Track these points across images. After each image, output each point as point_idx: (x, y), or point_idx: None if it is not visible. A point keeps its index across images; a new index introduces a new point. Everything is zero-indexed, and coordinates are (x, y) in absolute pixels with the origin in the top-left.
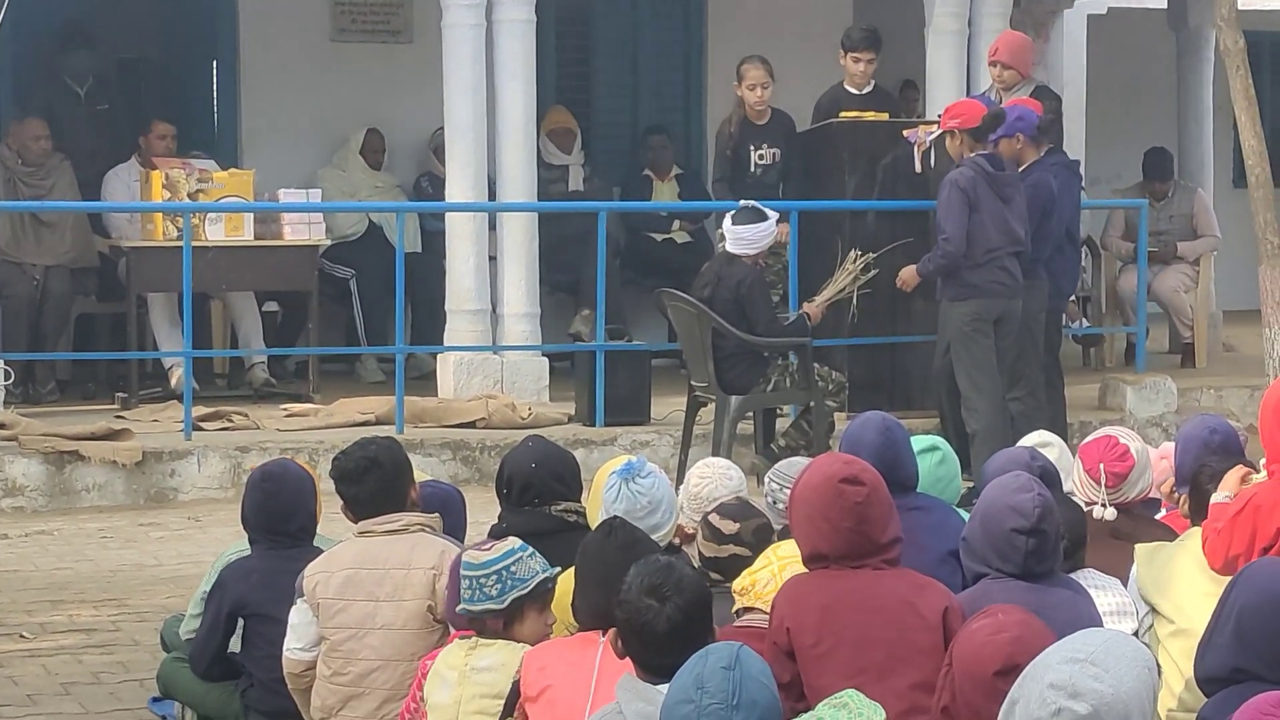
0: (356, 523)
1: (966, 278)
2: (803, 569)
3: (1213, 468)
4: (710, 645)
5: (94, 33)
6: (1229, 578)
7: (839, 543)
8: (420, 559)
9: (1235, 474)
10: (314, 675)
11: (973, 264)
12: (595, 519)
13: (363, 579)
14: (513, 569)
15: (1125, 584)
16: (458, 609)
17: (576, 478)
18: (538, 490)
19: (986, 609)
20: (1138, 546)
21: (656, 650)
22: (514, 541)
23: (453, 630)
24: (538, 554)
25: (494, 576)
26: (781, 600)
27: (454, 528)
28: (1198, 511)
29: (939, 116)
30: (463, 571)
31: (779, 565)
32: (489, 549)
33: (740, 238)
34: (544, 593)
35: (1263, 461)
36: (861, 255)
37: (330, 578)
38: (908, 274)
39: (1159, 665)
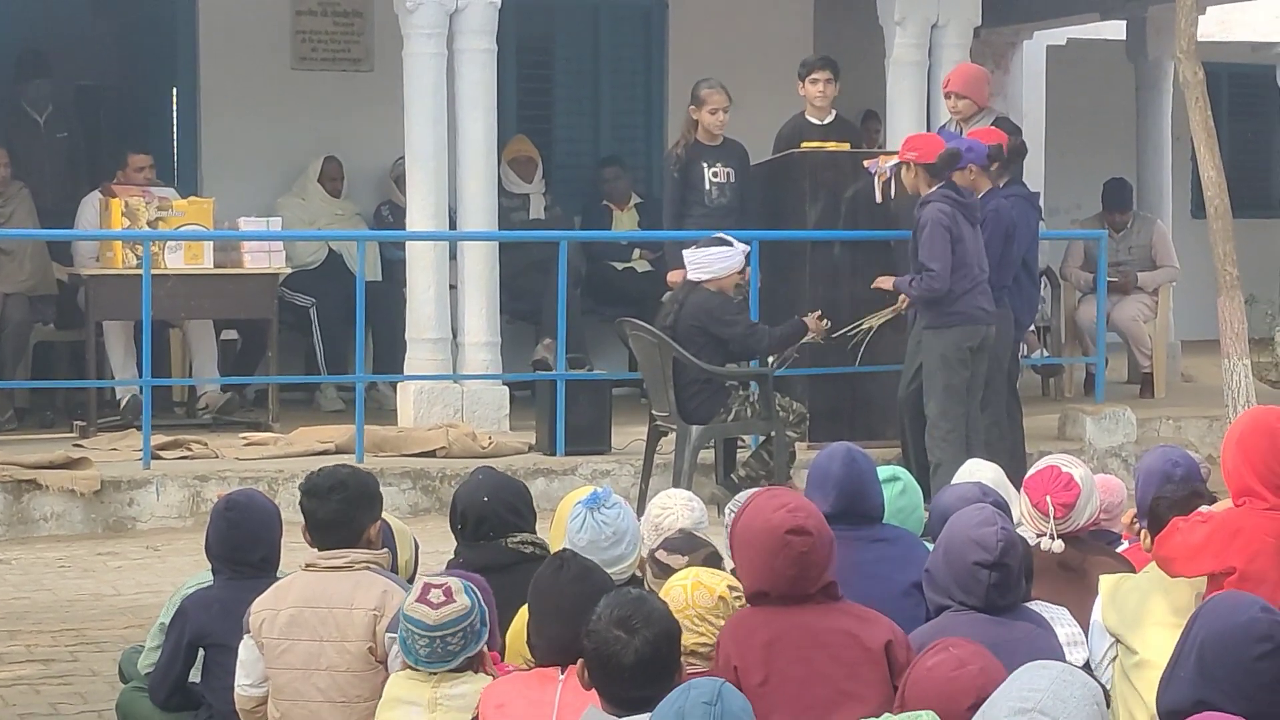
0: (313, 546)
1: (951, 306)
2: (713, 586)
3: (1169, 498)
4: (692, 680)
5: (53, 60)
6: (1191, 610)
7: (781, 584)
8: (362, 599)
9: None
10: (265, 712)
11: (960, 292)
12: (557, 548)
13: (307, 618)
14: (475, 625)
15: (1075, 615)
16: (402, 662)
17: (530, 508)
18: (492, 523)
19: (935, 644)
20: (1102, 578)
21: (623, 683)
22: (461, 603)
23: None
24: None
25: (459, 635)
26: (726, 638)
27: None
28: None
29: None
30: (416, 630)
31: (692, 584)
32: (442, 603)
33: (697, 263)
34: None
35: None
36: (820, 316)
37: (276, 616)
38: (885, 281)
39: (1121, 696)
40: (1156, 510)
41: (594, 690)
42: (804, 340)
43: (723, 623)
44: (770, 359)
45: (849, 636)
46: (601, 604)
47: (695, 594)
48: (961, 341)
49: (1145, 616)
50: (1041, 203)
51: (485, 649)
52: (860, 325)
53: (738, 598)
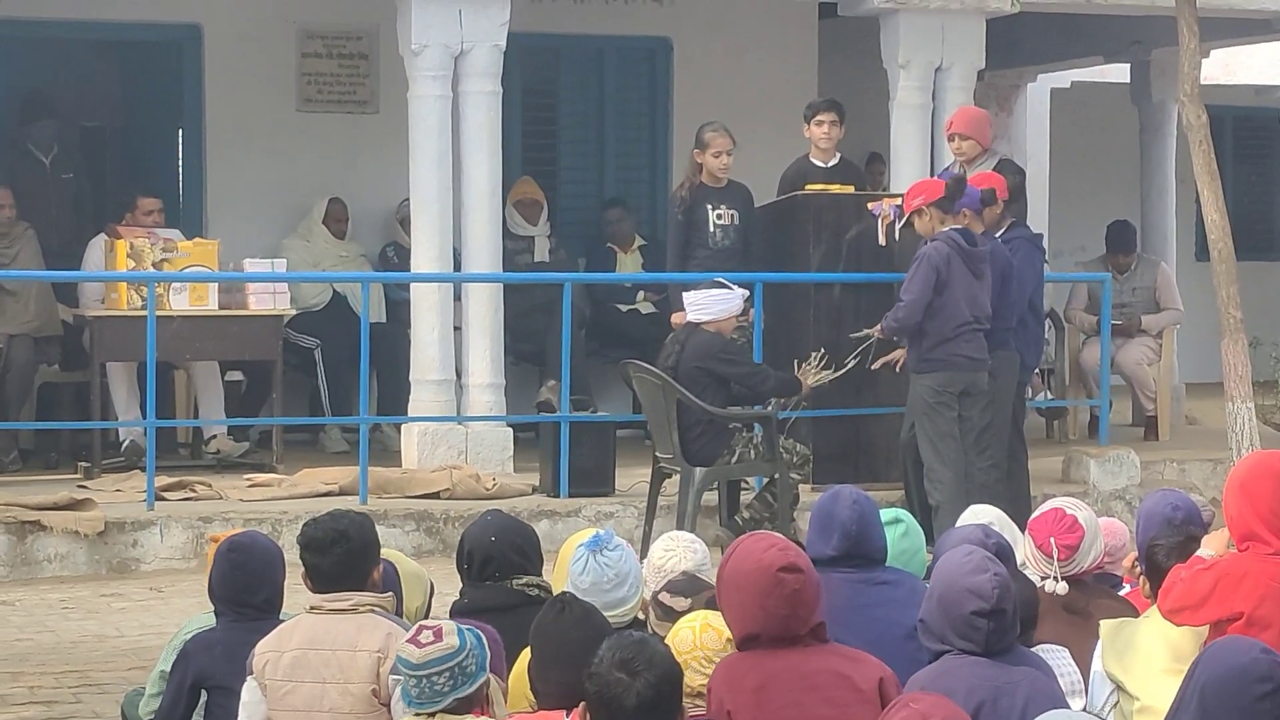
0: (314, 593)
1: (931, 351)
2: (721, 628)
3: (1166, 545)
4: None
5: (58, 101)
6: (1194, 655)
7: (772, 626)
8: (366, 642)
9: (1221, 536)
10: None
11: (941, 338)
12: (561, 590)
13: (310, 660)
14: (465, 665)
15: (1077, 659)
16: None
17: (537, 551)
18: (498, 564)
19: (896, 702)
20: (1103, 623)
21: None
22: (448, 643)
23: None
24: (482, 639)
25: (446, 674)
26: (717, 683)
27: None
28: (1156, 587)
29: (903, 194)
30: (403, 669)
31: (700, 625)
32: (429, 642)
33: (697, 304)
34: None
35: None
36: (821, 356)
37: (280, 658)
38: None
39: None
40: (1154, 558)
41: None
42: (799, 395)
43: None
44: (773, 401)
45: (840, 677)
46: (604, 647)
47: (704, 635)
48: (943, 386)
49: (1146, 663)
50: (1045, 245)
51: (487, 691)
52: (847, 364)
53: None
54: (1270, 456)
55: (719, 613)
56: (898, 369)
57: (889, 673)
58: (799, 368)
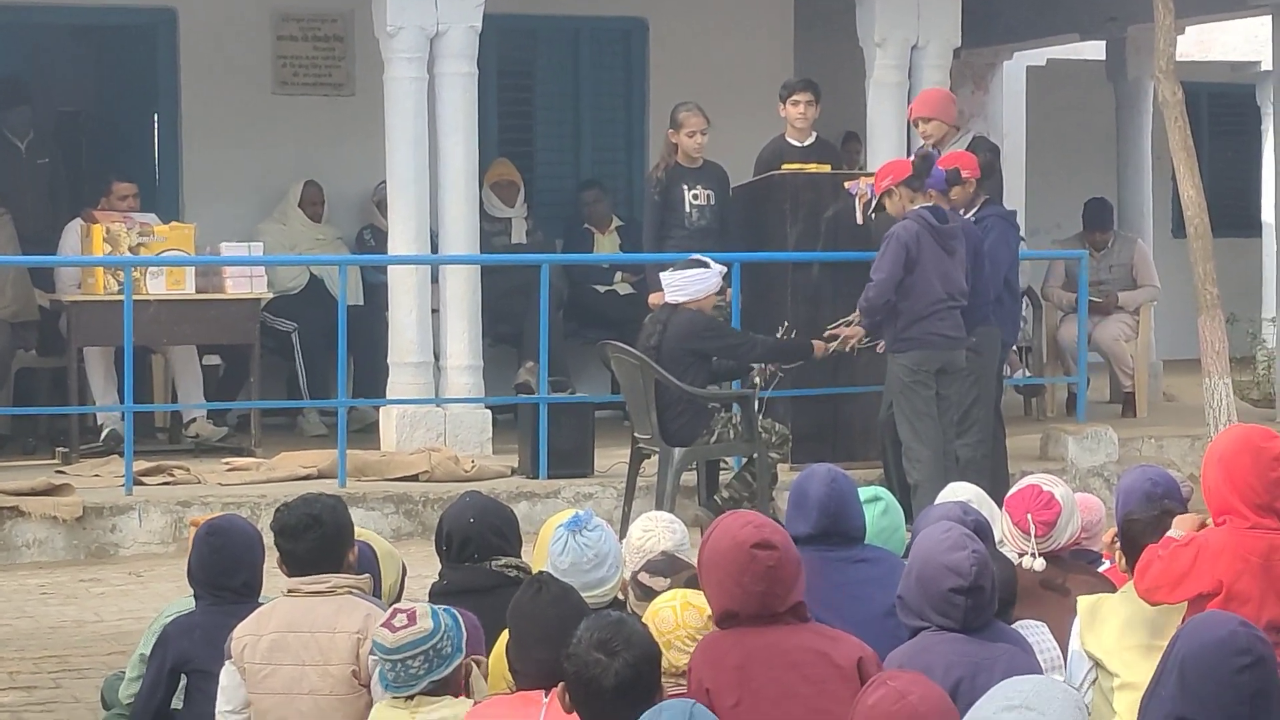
0: (289, 577)
1: (906, 330)
2: (702, 606)
3: (1142, 520)
4: (664, 702)
5: (33, 86)
6: (1171, 631)
7: (750, 603)
8: (345, 623)
9: (1192, 518)
10: None
11: (915, 316)
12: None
13: (289, 642)
14: (439, 648)
15: (1056, 635)
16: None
17: (515, 532)
18: (477, 545)
19: (874, 679)
20: (1080, 600)
21: (603, 705)
22: (421, 627)
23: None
24: (458, 621)
25: (420, 657)
26: (698, 661)
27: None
28: (1132, 562)
29: (876, 171)
30: (378, 653)
31: (681, 604)
32: (403, 626)
33: (675, 284)
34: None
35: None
36: (787, 328)
37: (258, 641)
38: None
39: (1102, 718)
40: (1129, 532)
41: (575, 714)
42: (789, 359)
43: None
44: (756, 381)
45: (820, 655)
46: (581, 627)
47: (685, 614)
48: (919, 365)
49: (1124, 640)
50: (1022, 222)
51: (464, 673)
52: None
53: None
54: (1248, 431)
55: (700, 591)
56: (877, 349)
57: (869, 651)
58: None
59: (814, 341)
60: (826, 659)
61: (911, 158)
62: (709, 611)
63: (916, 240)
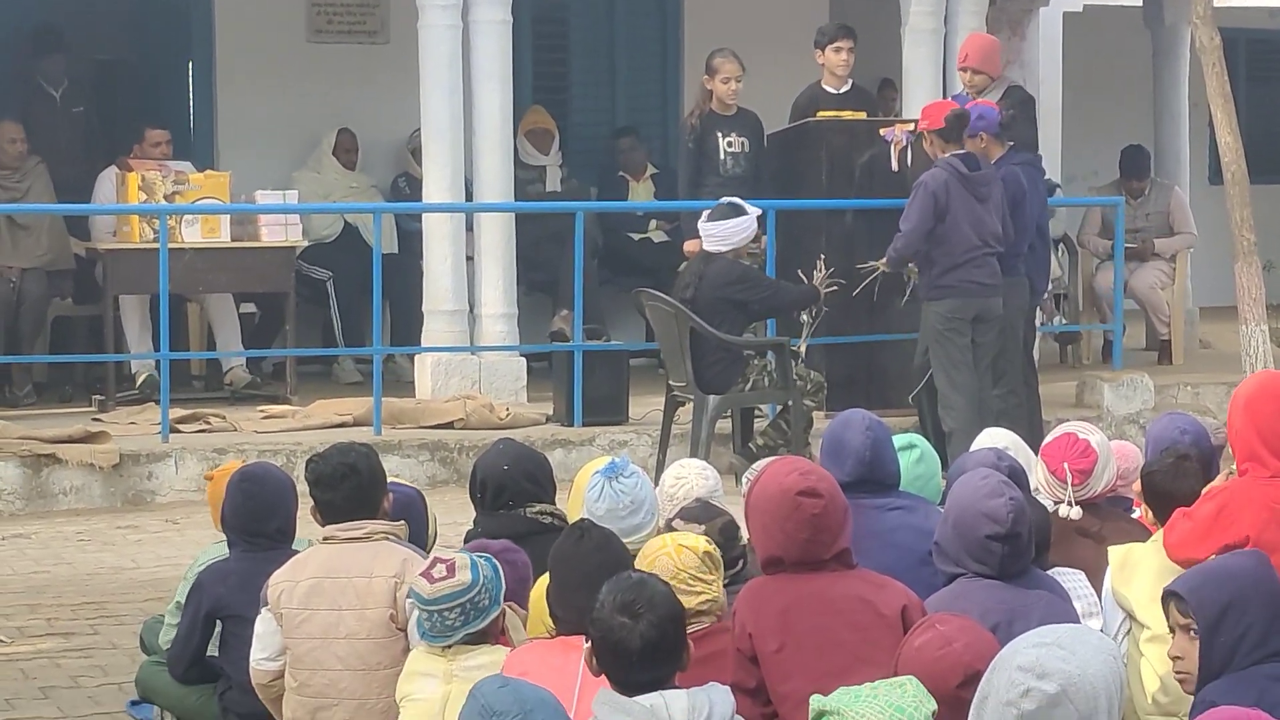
0: (324, 526)
1: (941, 278)
2: (694, 545)
3: (1159, 472)
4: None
5: (68, 35)
6: None
7: (794, 550)
8: (382, 567)
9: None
10: (283, 685)
11: (950, 264)
12: (576, 518)
13: (326, 588)
14: (477, 600)
15: (1093, 582)
16: (419, 638)
17: (549, 479)
18: (511, 493)
19: (922, 621)
20: (1111, 550)
21: (631, 668)
22: (459, 579)
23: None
24: (498, 571)
25: (457, 610)
26: (742, 605)
27: (417, 533)
28: (1158, 513)
29: (916, 117)
30: (415, 602)
31: (674, 548)
32: (441, 578)
33: (713, 235)
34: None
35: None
36: (825, 265)
37: (295, 587)
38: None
39: (1135, 666)
40: (1150, 484)
41: (603, 676)
42: (819, 303)
43: (717, 574)
44: (804, 319)
45: (864, 603)
46: (604, 590)
47: (681, 558)
48: (953, 313)
49: (1155, 591)
50: (1058, 170)
51: (503, 622)
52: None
53: (718, 546)
54: (1275, 376)
55: (683, 532)
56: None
57: (914, 599)
58: (812, 279)
59: (814, 287)
60: (871, 606)
61: (956, 103)
62: (701, 548)
63: (945, 188)
